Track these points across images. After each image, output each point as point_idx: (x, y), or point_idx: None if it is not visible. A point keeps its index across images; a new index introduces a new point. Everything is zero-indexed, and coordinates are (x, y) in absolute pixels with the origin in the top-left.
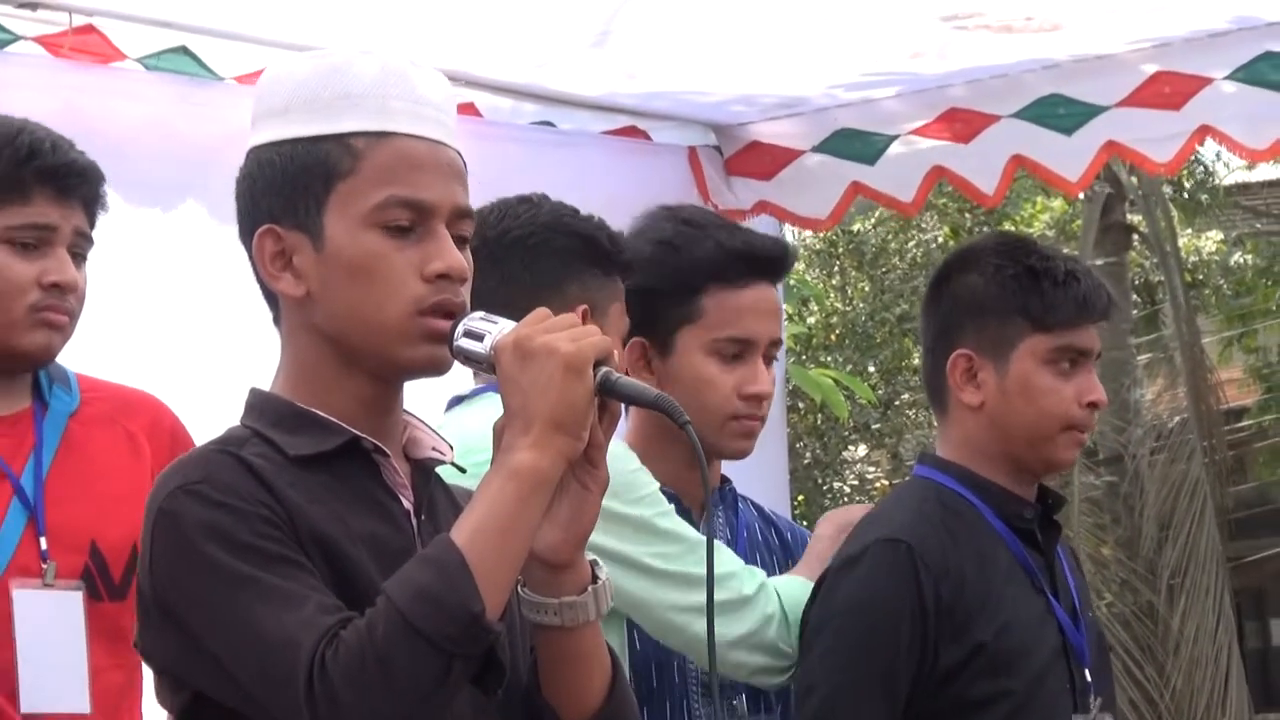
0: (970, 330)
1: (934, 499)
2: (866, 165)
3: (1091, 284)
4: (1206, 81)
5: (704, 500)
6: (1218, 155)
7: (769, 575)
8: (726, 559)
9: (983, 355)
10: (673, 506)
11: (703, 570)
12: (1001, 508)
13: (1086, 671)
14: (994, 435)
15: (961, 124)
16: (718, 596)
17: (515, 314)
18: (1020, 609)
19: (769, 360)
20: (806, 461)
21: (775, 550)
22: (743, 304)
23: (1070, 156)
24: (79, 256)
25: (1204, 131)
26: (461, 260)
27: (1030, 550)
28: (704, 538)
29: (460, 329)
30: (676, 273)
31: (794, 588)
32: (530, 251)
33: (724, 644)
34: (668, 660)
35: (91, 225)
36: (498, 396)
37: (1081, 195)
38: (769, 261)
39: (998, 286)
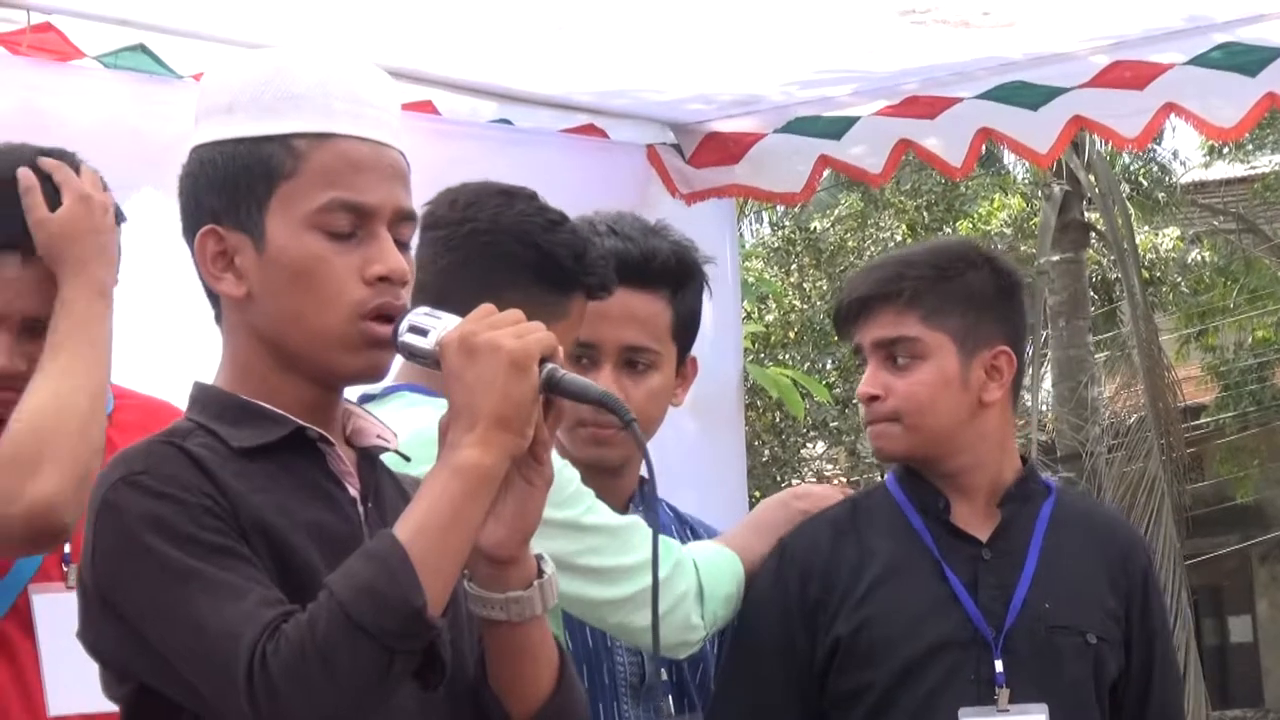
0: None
1: (855, 498)
2: (832, 140)
3: None
4: (1166, 67)
5: (645, 497)
6: (1174, 154)
7: None
8: (638, 544)
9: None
10: (592, 492)
11: (627, 559)
12: (919, 500)
13: (997, 663)
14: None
15: (924, 106)
16: (631, 589)
17: (446, 305)
18: (898, 601)
19: (634, 367)
20: (765, 459)
21: None
22: (582, 313)
23: (1038, 129)
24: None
25: (1169, 108)
26: (403, 263)
27: (955, 540)
28: (626, 519)
29: (405, 324)
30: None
31: (715, 561)
32: (479, 249)
33: (639, 629)
34: (598, 662)
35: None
36: (409, 395)
37: (1040, 193)
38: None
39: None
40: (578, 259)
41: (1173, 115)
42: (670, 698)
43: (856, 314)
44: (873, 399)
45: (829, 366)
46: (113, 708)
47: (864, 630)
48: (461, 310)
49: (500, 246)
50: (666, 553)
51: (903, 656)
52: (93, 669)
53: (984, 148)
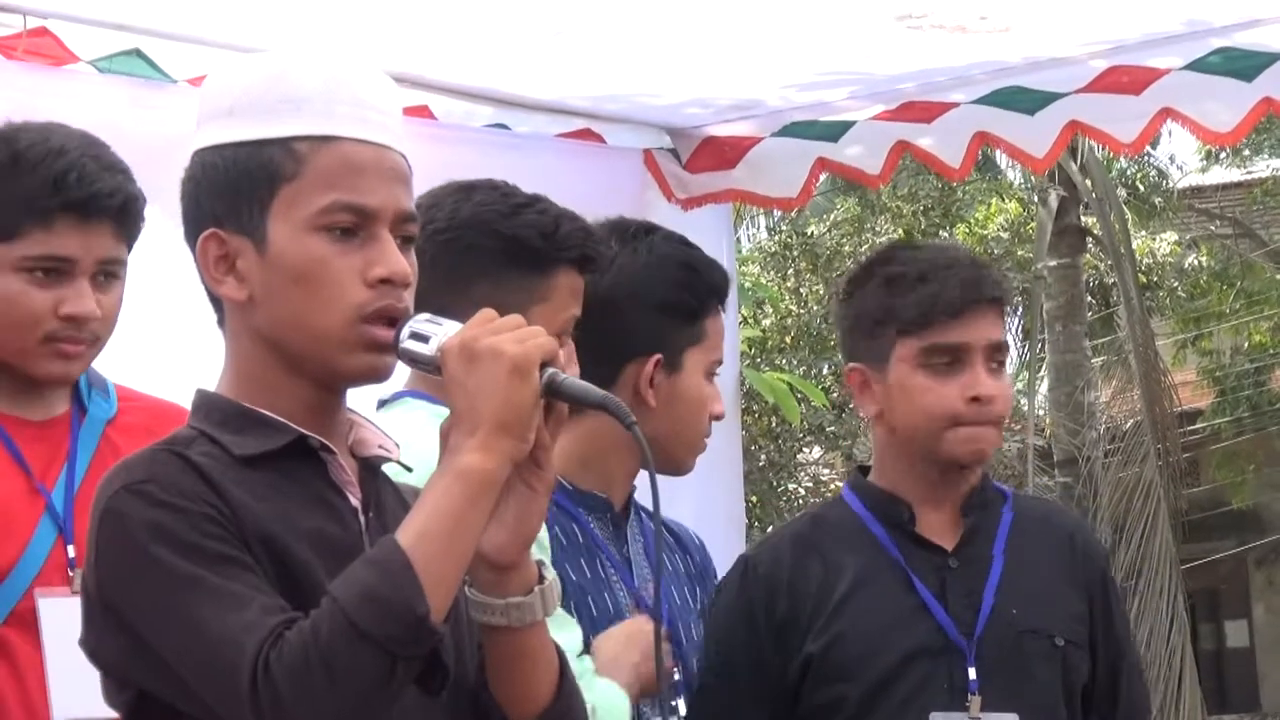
0: (860, 344)
1: (813, 514)
2: (829, 142)
3: (947, 280)
4: (1163, 72)
5: (655, 520)
6: (1171, 158)
7: (669, 573)
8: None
9: (870, 366)
10: (548, 553)
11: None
12: (881, 512)
13: (970, 670)
14: (891, 440)
15: (921, 110)
16: None
17: (423, 309)
18: (868, 614)
19: None
20: (761, 464)
21: (674, 549)
22: (722, 327)
23: (1034, 134)
24: (111, 277)
25: (1166, 113)
26: (405, 265)
27: (920, 550)
28: (570, 618)
29: (406, 331)
30: (696, 295)
31: (612, 702)
32: (440, 248)
33: None
34: None
35: (128, 244)
36: (411, 401)
37: (1036, 198)
38: None
39: (866, 298)
40: (547, 237)
41: (1169, 120)
42: (682, 698)
43: (964, 311)
44: (989, 400)
45: (825, 371)
46: (117, 715)
47: (835, 647)
48: (436, 310)
49: (461, 241)
50: (581, 670)
51: (876, 669)
52: (79, 677)
53: (981, 153)
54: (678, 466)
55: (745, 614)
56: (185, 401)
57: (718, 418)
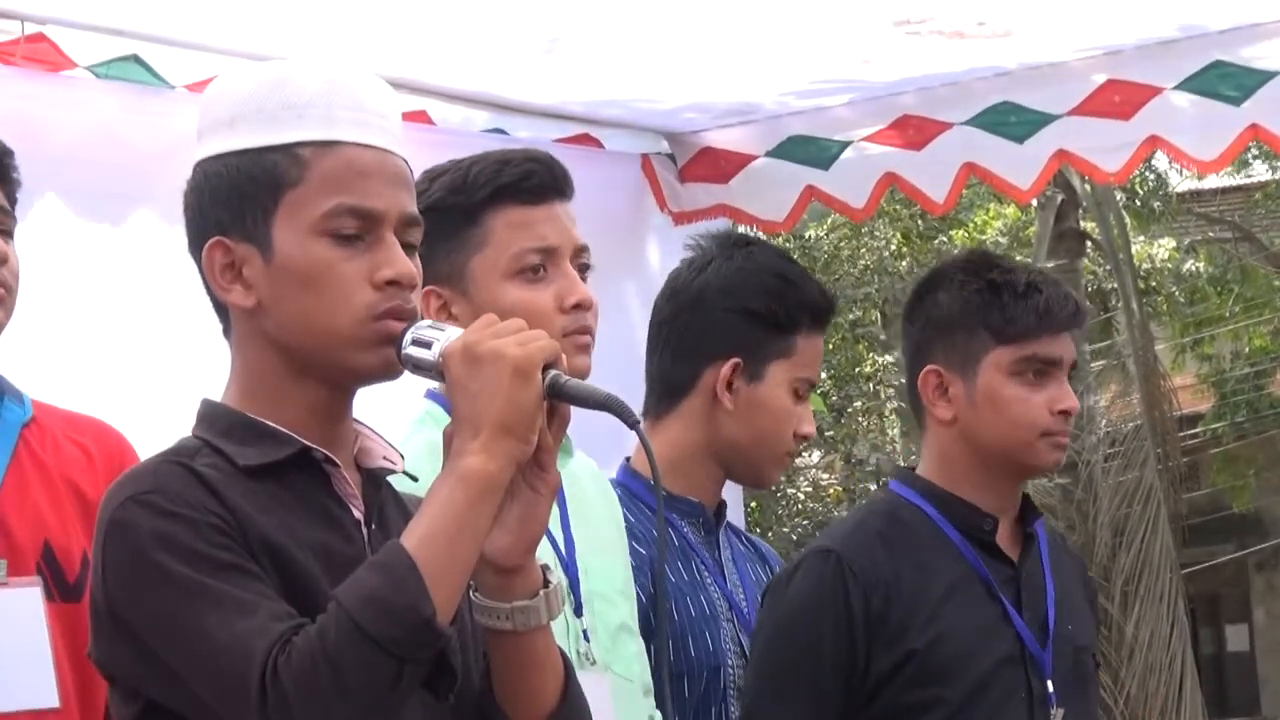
0: (939, 347)
1: (882, 511)
2: (820, 170)
3: (1055, 294)
4: (1156, 91)
5: (658, 511)
6: (1170, 162)
7: (751, 580)
8: None
9: (951, 370)
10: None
11: None
12: (961, 520)
13: (1049, 683)
14: (966, 447)
15: (914, 130)
16: None
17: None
18: (962, 618)
19: None
20: None
21: (754, 559)
22: (819, 349)
23: (1021, 164)
24: (6, 234)
25: (1153, 142)
26: (411, 267)
27: (994, 561)
28: None
29: (408, 337)
30: (786, 307)
31: None
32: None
33: None
34: (715, 667)
35: (9, 199)
36: (429, 407)
37: (1035, 202)
38: None
39: (962, 302)
40: (457, 190)
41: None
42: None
43: (1069, 325)
44: (1073, 413)
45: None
46: (55, 704)
47: (939, 644)
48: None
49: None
50: None
51: (973, 674)
52: (33, 664)
53: None
54: (760, 477)
55: (840, 607)
56: (188, 409)
57: (805, 437)
